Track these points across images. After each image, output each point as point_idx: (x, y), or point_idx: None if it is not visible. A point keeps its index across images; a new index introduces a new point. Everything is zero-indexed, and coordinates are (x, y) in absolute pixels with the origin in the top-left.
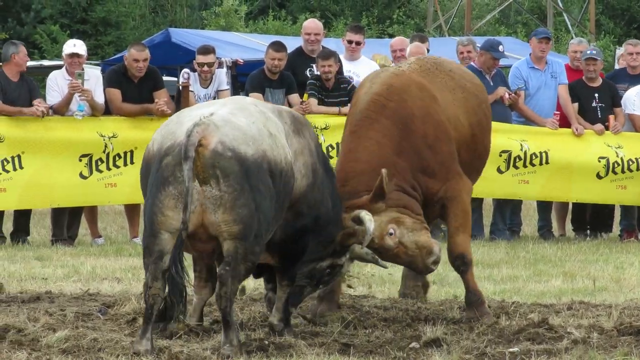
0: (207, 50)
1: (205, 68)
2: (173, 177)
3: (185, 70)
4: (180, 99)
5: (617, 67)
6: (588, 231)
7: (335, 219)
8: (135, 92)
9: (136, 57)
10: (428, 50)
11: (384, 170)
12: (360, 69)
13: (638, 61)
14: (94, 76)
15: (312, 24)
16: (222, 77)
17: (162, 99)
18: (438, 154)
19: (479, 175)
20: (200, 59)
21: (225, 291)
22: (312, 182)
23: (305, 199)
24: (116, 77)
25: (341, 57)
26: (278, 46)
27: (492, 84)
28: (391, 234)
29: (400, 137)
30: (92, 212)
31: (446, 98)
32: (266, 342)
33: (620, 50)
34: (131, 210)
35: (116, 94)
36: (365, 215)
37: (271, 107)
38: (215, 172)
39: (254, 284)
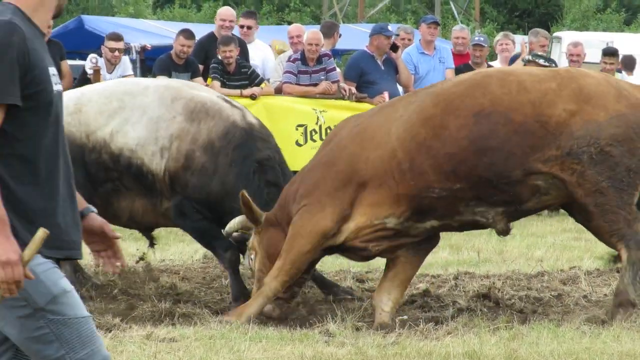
0: (118, 37)
1: (117, 53)
2: None
3: (93, 55)
4: (92, 83)
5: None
6: None
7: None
8: None
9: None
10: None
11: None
12: (254, 52)
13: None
14: None
15: (228, 11)
16: (127, 63)
17: None
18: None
19: None
20: (112, 44)
21: None
22: (185, 166)
23: (177, 179)
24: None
25: None
26: (188, 34)
27: (382, 68)
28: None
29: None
30: None
31: None
32: (172, 311)
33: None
34: None
35: None
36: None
37: (159, 95)
38: None
39: (160, 255)
